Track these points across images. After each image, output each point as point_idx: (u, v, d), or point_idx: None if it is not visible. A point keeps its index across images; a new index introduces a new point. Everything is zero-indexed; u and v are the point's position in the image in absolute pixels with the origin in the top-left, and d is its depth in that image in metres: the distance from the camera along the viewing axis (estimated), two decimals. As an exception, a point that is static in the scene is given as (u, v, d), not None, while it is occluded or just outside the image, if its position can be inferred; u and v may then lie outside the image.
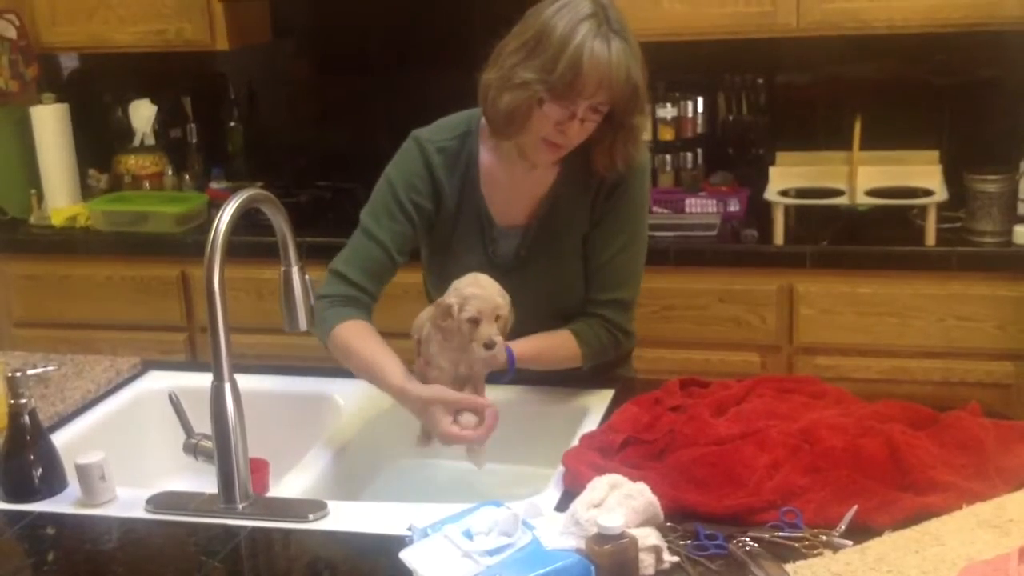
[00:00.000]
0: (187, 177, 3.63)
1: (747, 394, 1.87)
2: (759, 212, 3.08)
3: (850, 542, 1.46)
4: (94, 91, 3.73)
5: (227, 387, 1.62)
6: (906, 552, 1.41)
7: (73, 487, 1.72)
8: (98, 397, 2.11)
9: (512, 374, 1.91)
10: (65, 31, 3.49)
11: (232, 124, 3.71)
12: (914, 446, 1.63)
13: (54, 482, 1.73)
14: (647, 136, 2.21)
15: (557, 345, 2.01)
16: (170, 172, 3.62)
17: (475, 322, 1.76)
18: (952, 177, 2.99)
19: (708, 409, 1.79)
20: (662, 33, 2.97)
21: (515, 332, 1.89)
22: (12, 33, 3.45)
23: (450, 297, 1.79)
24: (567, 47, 1.80)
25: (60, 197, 3.49)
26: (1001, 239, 2.89)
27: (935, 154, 3.08)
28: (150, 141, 3.61)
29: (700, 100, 3.30)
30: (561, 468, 1.70)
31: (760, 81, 3.33)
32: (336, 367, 2.03)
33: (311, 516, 1.62)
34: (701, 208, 3.19)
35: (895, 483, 1.57)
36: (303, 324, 1.75)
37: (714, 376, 2.04)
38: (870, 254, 2.92)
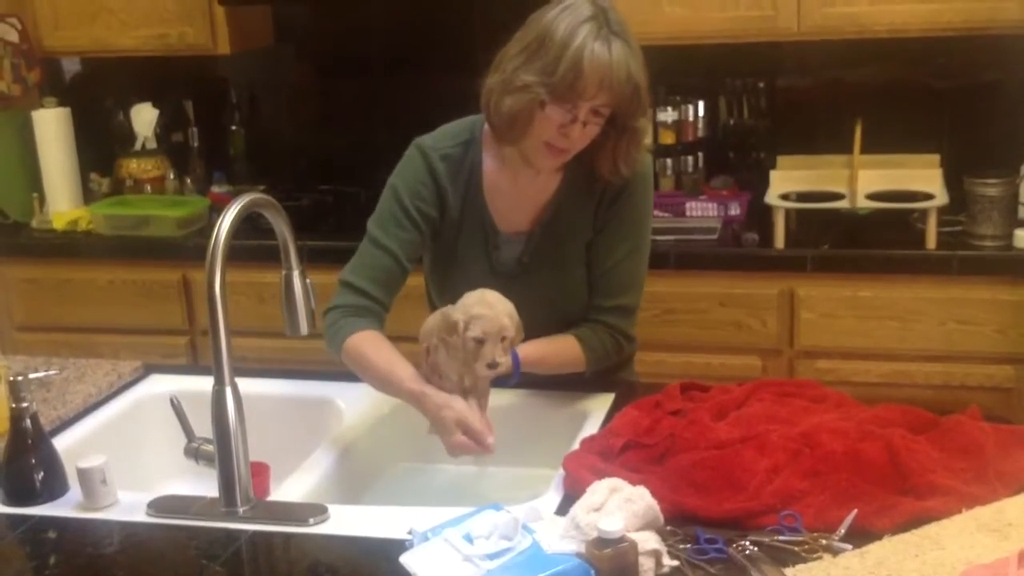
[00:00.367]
0: (189, 181, 3.64)
1: (747, 398, 1.87)
2: (760, 216, 3.08)
3: (850, 546, 1.46)
4: (96, 95, 3.74)
5: (228, 391, 1.62)
6: (905, 556, 1.41)
7: (74, 491, 1.72)
8: (99, 401, 2.11)
9: (517, 378, 1.92)
10: (67, 35, 3.50)
11: (234, 128, 3.72)
12: (914, 450, 1.63)
13: (55, 486, 1.73)
14: (648, 140, 2.20)
15: (561, 350, 2.01)
16: (172, 176, 3.63)
17: (480, 342, 1.76)
18: (953, 181, 2.99)
19: (708, 413, 1.80)
20: (663, 37, 2.97)
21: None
22: (14, 37, 3.46)
23: (457, 313, 1.78)
24: (568, 49, 1.81)
25: (62, 201, 3.50)
26: (1002, 243, 2.89)
27: (936, 158, 3.08)
28: (152, 145, 3.62)
29: (701, 104, 3.31)
30: (561, 472, 1.70)
31: (761, 85, 3.33)
32: (337, 371, 2.04)
33: (312, 520, 1.62)
34: (702, 212, 3.19)
35: (895, 487, 1.57)
36: (304, 328, 1.75)
37: (715, 380, 2.04)
38: (871, 258, 2.92)
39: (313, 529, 1.62)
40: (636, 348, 2.22)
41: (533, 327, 1.94)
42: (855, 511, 1.51)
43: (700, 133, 3.33)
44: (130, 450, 2.00)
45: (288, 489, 1.78)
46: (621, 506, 1.45)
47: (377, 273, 2.00)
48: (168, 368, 2.33)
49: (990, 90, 3.20)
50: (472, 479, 1.94)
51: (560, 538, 1.44)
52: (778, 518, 1.53)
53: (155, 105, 3.59)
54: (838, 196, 3.01)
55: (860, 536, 1.48)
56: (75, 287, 3.38)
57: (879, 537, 1.47)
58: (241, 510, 1.64)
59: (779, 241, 2.97)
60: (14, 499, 1.71)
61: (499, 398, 1.90)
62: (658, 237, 2.84)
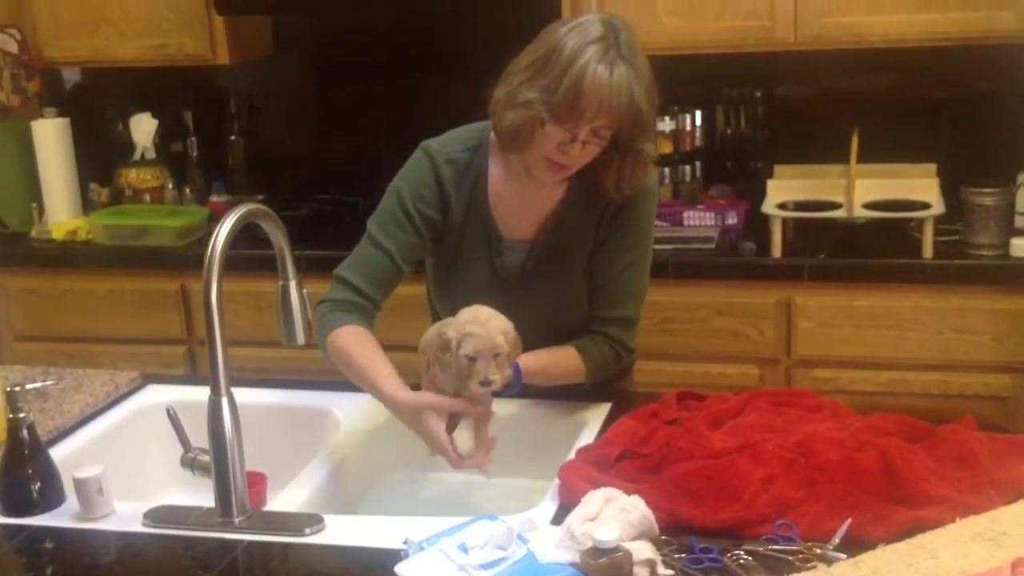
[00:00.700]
0: (188, 191, 3.64)
1: (743, 407, 1.87)
2: (757, 225, 3.09)
3: (844, 555, 1.46)
4: (95, 105, 3.74)
5: (224, 401, 1.63)
6: (900, 565, 1.42)
7: (71, 501, 1.72)
8: (97, 411, 2.12)
9: (519, 388, 1.92)
10: (67, 46, 3.51)
11: (233, 138, 3.73)
12: (909, 459, 1.63)
13: (52, 496, 1.73)
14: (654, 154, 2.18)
15: (562, 360, 2.01)
16: (171, 186, 3.63)
17: (472, 359, 1.76)
18: (949, 190, 2.99)
19: (704, 422, 1.80)
20: (661, 47, 2.98)
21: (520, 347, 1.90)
22: (14, 48, 3.47)
23: (450, 330, 1.78)
24: (571, 69, 1.80)
25: (61, 211, 3.50)
26: (998, 252, 2.90)
27: (932, 167, 3.08)
28: (151, 155, 3.62)
29: (698, 113, 3.32)
30: (557, 481, 1.70)
31: (758, 94, 3.34)
32: (334, 381, 2.04)
33: (308, 530, 1.63)
34: (699, 221, 3.19)
35: (889, 496, 1.57)
36: (301, 338, 1.76)
37: (713, 389, 2.04)
38: (868, 267, 2.92)
39: (309, 539, 1.62)
40: (636, 358, 2.22)
41: (534, 335, 1.95)
42: (850, 520, 1.52)
43: (698, 142, 3.33)
44: (127, 460, 2.01)
45: (284, 499, 1.78)
46: (616, 516, 1.45)
47: (372, 271, 2.00)
48: (166, 378, 2.33)
49: (986, 100, 3.21)
50: (468, 489, 1.95)
51: (555, 548, 1.45)
52: (773, 527, 1.53)
53: (154, 115, 3.60)
54: (835, 205, 3.02)
55: (855, 545, 1.48)
56: (74, 297, 3.39)
57: (873, 546, 1.47)
58: (237, 520, 1.64)
59: (776, 250, 2.97)
60: (11, 509, 1.72)
61: (495, 408, 1.90)
62: (656, 246, 2.81)
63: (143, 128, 3.59)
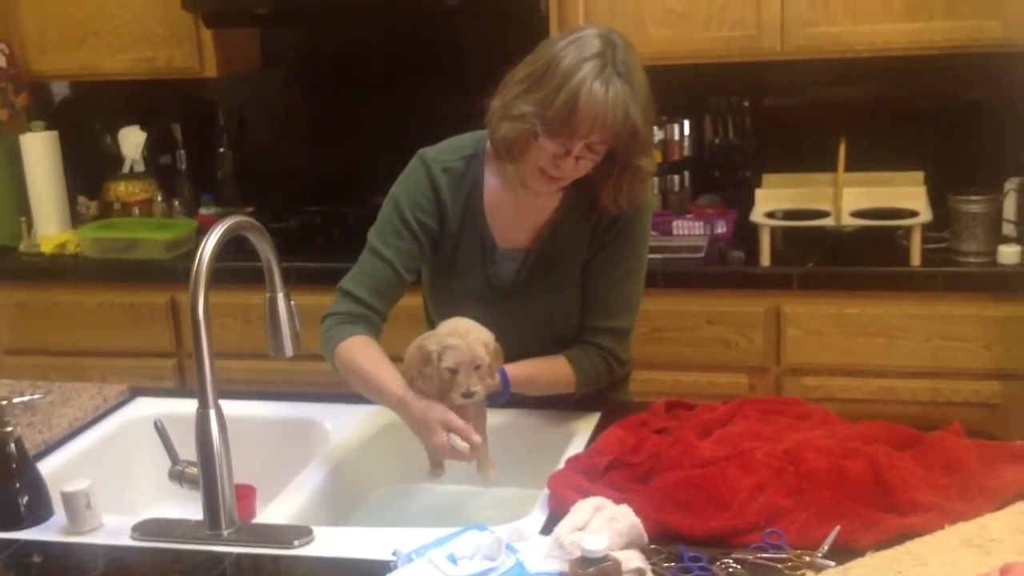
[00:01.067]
0: (177, 203, 3.64)
1: (732, 416, 1.87)
2: (746, 234, 3.09)
3: (833, 563, 1.46)
4: (84, 118, 3.74)
5: (212, 413, 1.62)
6: (888, 572, 1.42)
7: (59, 515, 1.71)
8: (85, 424, 2.11)
9: (507, 396, 1.92)
10: (55, 59, 3.50)
11: (222, 150, 3.72)
12: (897, 467, 1.63)
13: (40, 510, 1.73)
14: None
15: (552, 370, 2.01)
16: (160, 198, 3.63)
17: (453, 372, 1.76)
18: (937, 198, 3.00)
19: (693, 431, 1.80)
20: (648, 57, 2.92)
21: (511, 356, 1.90)
22: (2, 61, 3.46)
23: (431, 343, 1.79)
24: (567, 85, 1.80)
25: (50, 224, 3.50)
26: (986, 259, 2.90)
27: (920, 175, 3.09)
28: (140, 168, 3.62)
29: (686, 123, 3.32)
30: (546, 491, 1.70)
31: (746, 104, 3.35)
32: (323, 392, 2.04)
33: (296, 542, 1.62)
34: (688, 230, 3.20)
35: (878, 504, 1.58)
36: (289, 350, 1.75)
37: (702, 397, 2.04)
38: (856, 275, 2.93)
39: (298, 551, 1.61)
40: (631, 368, 2.22)
41: (527, 344, 1.95)
42: (838, 528, 1.52)
43: (686, 152, 3.34)
44: (115, 474, 2.00)
45: (274, 511, 1.77)
46: (605, 525, 1.45)
47: (375, 282, 2.00)
48: (154, 391, 2.32)
49: (973, 108, 3.22)
50: (457, 499, 1.95)
51: (544, 558, 1.45)
52: (762, 535, 1.53)
53: (143, 128, 3.60)
54: (823, 214, 3.03)
55: (843, 553, 1.48)
56: (63, 310, 3.38)
57: (862, 554, 1.48)
58: (226, 533, 1.64)
59: (765, 259, 2.98)
60: (-2, 524, 1.71)
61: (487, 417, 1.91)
62: (645, 256, 2.85)
63: (131, 141, 3.58)
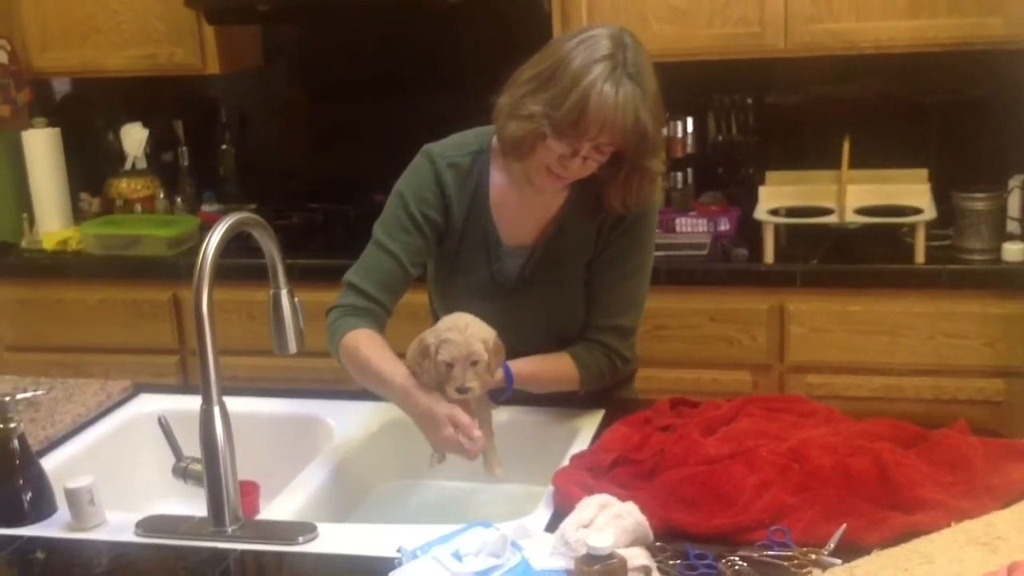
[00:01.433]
0: (179, 200, 3.64)
1: (736, 414, 1.87)
2: (749, 231, 3.09)
3: (839, 561, 1.46)
4: (86, 115, 3.74)
5: (216, 410, 1.62)
6: (895, 571, 1.41)
7: (63, 511, 1.71)
8: (88, 421, 2.11)
9: (510, 393, 1.91)
10: (57, 56, 3.50)
11: (224, 147, 3.73)
12: (903, 464, 1.63)
13: (43, 506, 1.72)
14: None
15: (555, 367, 2.01)
16: (162, 195, 3.63)
17: (449, 366, 1.76)
18: (941, 195, 3.00)
19: (698, 429, 1.80)
20: (651, 54, 2.91)
21: (514, 353, 1.90)
22: (4, 58, 3.46)
23: (430, 337, 1.79)
24: (576, 86, 1.79)
25: (52, 221, 3.50)
26: (990, 256, 2.90)
27: (923, 172, 3.09)
28: (142, 165, 3.62)
29: (690, 120, 3.32)
30: (551, 488, 1.70)
31: (749, 101, 3.35)
32: (327, 389, 2.03)
33: (301, 539, 1.62)
34: (692, 228, 3.20)
35: (884, 502, 1.57)
36: (292, 347, 1.75)
37: (706, 395, 2.04)
38: (860, 272, 2.93)
39: (302, 548, 1.61)
40: (636, 366, 2.22)
41: (530, 341, 1.95)
42: (844, 526, 1.52)
43: (689, 149, 3.34)
44: (119, 470, 2.00)
45: (277, 507, 1.77)
46: (610, 522, 1.45)
47: (380, 276, 2.00)
48: (157, 387, 2.32)
49: (977, 105, 3.22)
50: (461, 496, 1.94)
51: (549, 555, 1.44)
52: (767, 533, 1.53)
53: (145, 125, 3.60)
54: (827, 211, 3.02)
55: (849, 551, 1.48)
56: (65, 307, 3.38)
57: (868, 551, 1.47)
58: (230, 529, 1.63)
59: (768, 256, 2.98)
60: (2, 520, 1.70)
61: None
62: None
63: (134, 138, 3.58)
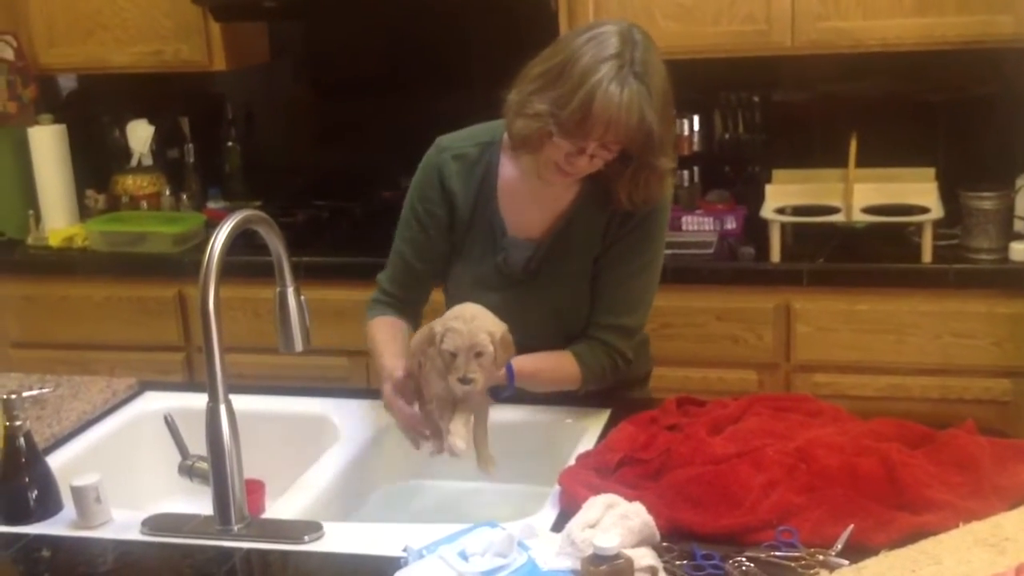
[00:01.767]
0: (185, 197, 3.64)
1: (743, 413, 1.86)
2: (756, 230, 3.08)
3: (846, 561, 1.45)
4: (92, 112, 3.74)
5: (222, 408, 1.62)
6: (902, 571, 1.41)
7: (68, 509, 1.71)
8: (94, 418, 2.11)
9: (512, 390, 1.90)
10: (63, 52, 3.50)
11: (230, 144, 3.72)
12: (910, 465, 1.62)
13: (49, 504, 1.72)
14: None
15: (557, 366, 2.00)
16: (168, 192, 3.63)
17: (453, 355, 1.76)
18: (948, 194, 2.99)
19: (704, 428, 1.79)
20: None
21: (518, 347, 1.88)
22: (10, 54, 3.46)
23: (437, 325, 1.79)
24: (583, 86, 1.78)
25: (57, 218, 3.50)
26: (997, 256, 2.89)
27: (931, 171, 3.08)
28: (148, 161, 3.62)
29: (696, 118, 3.32)
30: (557, 488, 1.69)
31: (756, 99, 3.34)
32: (333, 388, 2.03)
33: (307, 538, 1.62)
34: (698, 226, 3.19)
35: (891, 502, 1.57)
36: (299, 345, 1.75)
37: (712, 394, 2.03)
38: (867, 271, 2.92)
39: (308, 547, 1.61)
40: (652, 367, 2.24)
41: (535, 335, 1.94)
42: (851, 526, 1.51)
43: (696, 147, 3.33)
44: (124, 468, 2.00)
45: (283, 506, 1.77)
46: (617, 522, 1.44)
47: (394, 272, 2.11)
48: (163, 385, 2.32)
49: (984, 103, 3.21)
50: (467, 496, 1.94)
51: (555, 555, 1.44)
52: (775, 533, 1.52)
53: (151, 121, 3.59)
54: (834, 210, 3.02)
55: (857, 551, 1.47)
56: (71, 304, 3.38)
57: (876, 552, 1.47)
58: (236, 528, 1.63)
59: (775, 255, 2.97)
60: (8, 518, 1.70)
61: (495, 414, 1.90)
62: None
63: (139, 135, 3.58)
